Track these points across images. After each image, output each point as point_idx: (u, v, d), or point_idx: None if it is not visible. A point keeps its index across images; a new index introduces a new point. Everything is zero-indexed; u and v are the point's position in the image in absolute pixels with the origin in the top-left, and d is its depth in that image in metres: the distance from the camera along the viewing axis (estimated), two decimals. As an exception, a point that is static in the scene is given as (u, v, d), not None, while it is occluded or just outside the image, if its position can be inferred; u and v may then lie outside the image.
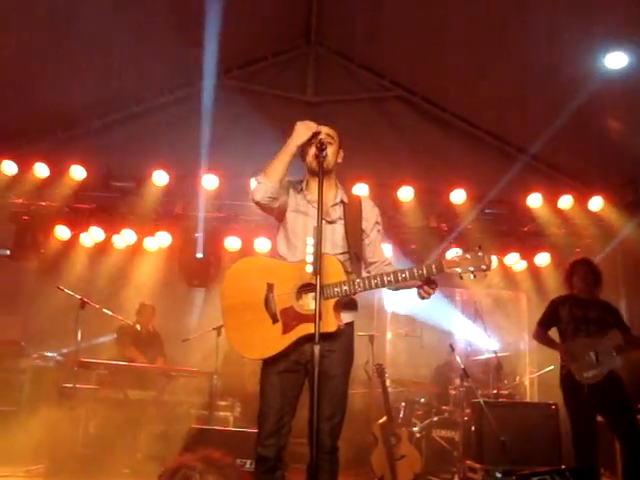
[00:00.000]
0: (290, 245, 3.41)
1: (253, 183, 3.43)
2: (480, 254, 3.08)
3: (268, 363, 3.30)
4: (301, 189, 3.49)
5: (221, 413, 6.93)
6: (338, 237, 3.37)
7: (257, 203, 3.33)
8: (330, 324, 3.06)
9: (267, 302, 3.23)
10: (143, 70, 7.41)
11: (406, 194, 7.86)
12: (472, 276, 3.10)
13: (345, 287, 3.10)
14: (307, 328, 3.11)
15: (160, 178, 7.73)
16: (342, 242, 3.38)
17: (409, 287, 3.33)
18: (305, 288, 3.20)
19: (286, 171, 3.31)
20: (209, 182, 7.72)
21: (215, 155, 7.62)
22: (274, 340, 3.19)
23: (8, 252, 7.89)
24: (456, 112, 8.16)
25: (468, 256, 3.09)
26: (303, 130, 3.31)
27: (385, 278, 3.12)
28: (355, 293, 3.18)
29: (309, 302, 3.18)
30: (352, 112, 8.01)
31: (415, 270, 3.10)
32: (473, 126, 8.20)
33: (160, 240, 8.04)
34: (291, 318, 3.17)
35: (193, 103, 7.86)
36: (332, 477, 3.25)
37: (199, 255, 8.07)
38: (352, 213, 3.46)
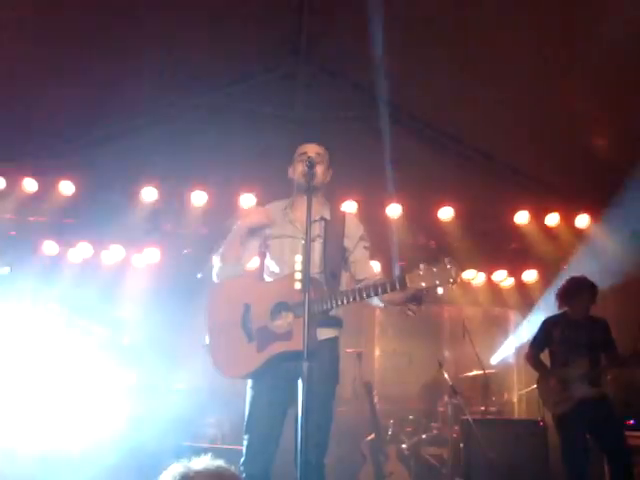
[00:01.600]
0: (274, 267, 3.51)
1: (214, 264, 3.63)
2: (448, 266, 2.99)
3: (254, 380, 3.32)
4: (285, 207, 3.57)
5: (211, 430, 6.89)
6: (316, 255, 3.39)
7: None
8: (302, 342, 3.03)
9: (244, 321, 3.27)
10: (131, 88, 7.41)
11: (394, 211, 7.89)
12: (439, 290, 3.08)
13: (315, 305, 3.09)
14: (279, 347, 3.16)
15: (149, 195, 7.72)
16: (319, 260, 3.40)
17: (396, 304, 3.34)
18: (278, 307, 3.24)
19: (240, 248, 3.52)
20: (198, 199, 7.71)
21: (204, 172, 7.63)
22: (249, 358, 3.23)
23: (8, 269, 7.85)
24: (444, 130, 8.19)
25: (434, 269, 3.00)
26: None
27: (351, 295, 3.14)
28: (325, 310, 3.17)
29: (280, 321, 3.22)
30: (341, 130, 8.03)
31: (379, 287, 3.09)
32: (461, 144, 8.24)
33: (148, 257, 8.02)
34: (265, 337, 3.21)
35: (182, 120, 7.89)
36: None
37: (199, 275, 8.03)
38: (333, 230, 3.49)
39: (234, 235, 3.52)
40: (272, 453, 3.25)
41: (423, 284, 2.98)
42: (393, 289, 3.07)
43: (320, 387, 3.26)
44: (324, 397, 3.29)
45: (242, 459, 3.26)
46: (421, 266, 3.01)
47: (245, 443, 3.29)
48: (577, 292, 5.59)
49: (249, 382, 3.39)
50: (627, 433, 5.49)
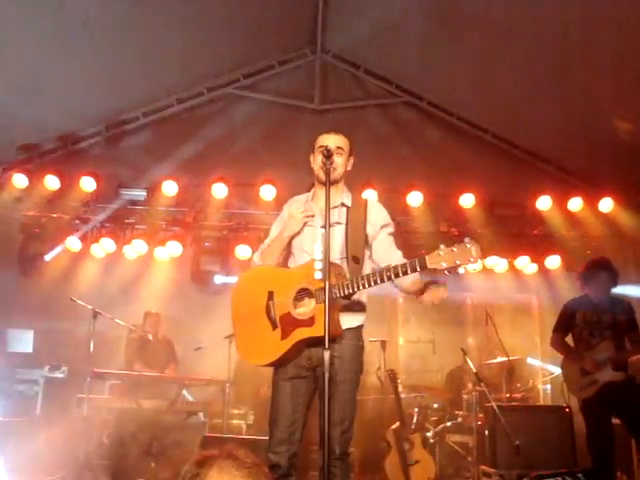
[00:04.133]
0: (296, 257, 3.54)
1: (254, 260, 3.70)
2: (468, 246, 2.95)
3: (278, 370, 3.35)
4: (306, 201, 3.60)
5: (234, 421, 6.95)
6: (336, 241, 3.38)
7: None
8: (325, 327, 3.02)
9: (268, 309, 3.32)
10: (151, 80, 7.46)
11: (415, 199, 7.86)
12: (462, 270, 3.04)
13: (335, 290, 3.10)
14: (302, 333, 3.19)
15: (170, 188, 7.76)
16: (340, 246, 3.39)
17: (415, 292, 3.34)
18: (300, 294, 3.25)
19: (279, 256, 3.54)
20: (219, 191, 7.74)
21: (224, 164, 7.66)
22: (273, 346, 3.27)
23: None
24: (464, 116, 8.14)
25: (454, 249, 2.96)
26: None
27: (372, 278, 3.12)
28: (347, 295, 3.16)
29: (303, 307, 3.23)
30: (359, 119, 8.02)
31: (400, 268, 3.06)
32: (481, 129, 8.18)
33: (171, 250, 8.08)
34: (288, 324, 3.24)
35: (201, 112, 7.93)
36: None
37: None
38: (355, 217, 3.48)
39: (278, 242, 3.54)
40: (296, 442, 3.27)
41: (444, 264, 2.95)
42: (413, 270, 3.04)
43: (344, 376, 3.28)
44: (348, 386, 3.30)
45: (267, 448, 3.29)
46: (441, 246, 2.99)
47: (270, 433, 3.32)
48: (595, 274, 5.53)
49: (273, 373, 3.42)
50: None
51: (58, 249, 7.79)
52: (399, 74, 8.08)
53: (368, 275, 3.17)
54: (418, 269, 3.03)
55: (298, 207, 3.57)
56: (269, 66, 8.09)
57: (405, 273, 3.07)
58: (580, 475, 3.01)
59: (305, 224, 3.50)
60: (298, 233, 3.52)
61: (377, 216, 3.56)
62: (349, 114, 8.09)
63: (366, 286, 3.14)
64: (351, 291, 3.15)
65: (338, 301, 3.18)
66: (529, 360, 8.01)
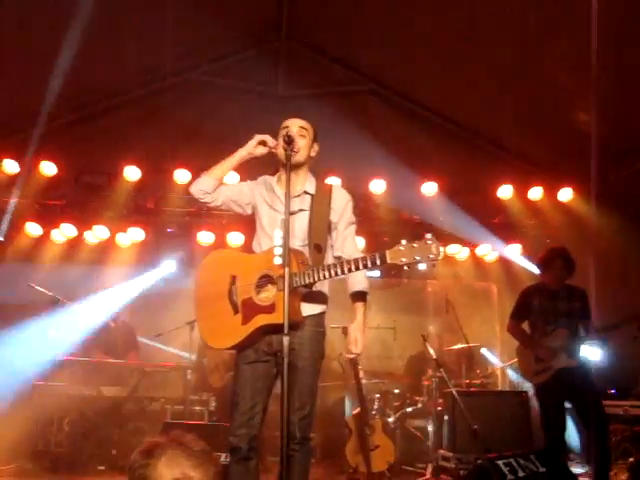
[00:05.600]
0: (258, 240, 3.52)
1: (200, 176, 3.58)
2: (429, 242, 2.92)
3: (239, 354, 3.36)
4: (272, 185, 3.56)
5: (196, 408, 6.94)
6: (298, 228, 3.38)
7: (193, 195, 3.54)
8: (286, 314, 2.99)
9: (230, 293, 3.31)
10: (113, 65, 7.35)
11: (378, 187, 7.91)
12: (422, 266, 3.04)
13: (296, 278, 3.10)
14: (263, 319, 3.19)
15: (132, 173, 7.68)
16: (302, 234, 3.39)
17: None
18: (263, 280, 3.24)
19: (224, 175, 3.53)
20: (181, 177, 7.68)
21: (187, 150, 7.60)
22: (234, 330, 3.27)
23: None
24: (428, 105, 8.19)
25: (415, 245, 2.93)
26: (253, 143, 3.47)
27: (332, 269, 3.11)
28: (309, 284, 3.16)
29: (265, 293, 3.22)
30: (323, 106, 7.97)
31: (360, 261, 3.05)
32: (444, 118, 8.24)
33: (132, 235, 8.01)
34: (250, 309, 3.23)
35: (164, 98, 7.84)
36: (303, 467, 3.28)
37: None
38: (319, 204, 3.47)
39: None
40: (256, 426, 3.27)
41: (403, 259, 2.92)
42: (374, 264, 3.03)
43: (304, 362, 3.29)
44: (308, 372, 3.31)
45: (228, 431, 3.29)
46: (402, 242, 2.99)
47: (231, 416, 3.32)
48: (551, 262, 5.63)
49: (235, 357, 3.42)
50: (607, 402, 5.59)
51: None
52: (364, 62, 8.10)
53: (329, 266, 3.15)
54: (378, 263, 3.01)
55: (263, 184, 3.58)
56: (234, 52, 8.05)
57: (365, 267, 3.06)
58: (532, 456, 3.08)
59: (271, 209, 3.49)
60: (263, 215, 3.50)
61: (340, 202, 3.55)
62: (313, 101, 8.05)
63: (327, 277, 3.13)
64: (311, 281, 3.14)
65: (299, 289, 3.19)
66: (482, 350, 8.08)
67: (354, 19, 7.32)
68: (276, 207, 3.45)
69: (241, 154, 3.49)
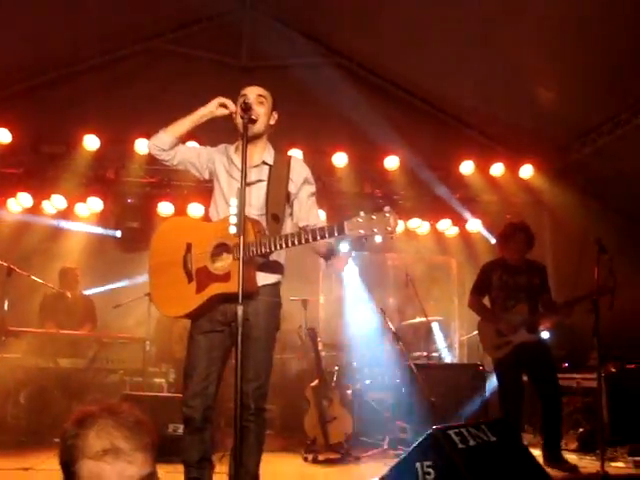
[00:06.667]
0: (218, 209, 3.47)
1: (158, 132, 3.50)
2: (387, 215, 2.91)
3: (193, 324, 3.34)
4: (233, 153, 3.51)
5: (155, 380, 6.92)
6: (256, 199, 3.35)
7: (149, 150, 3.50)
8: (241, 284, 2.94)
9: (185, 261, 3.28)
10: (72, 31, 7.17)
11: (340, 160, 7.90)
12: (378, 238, 3.02)
13: (252, 247, 3.08)
14: (217, 288, 3.17)
15: (91, 142, 7.54)
16: (259, 203, 3.37)
17: (324, 254, 3.38)
18: (218, 248, 3.22)
19: (183, 132, 3.42)
20: (142, 147, 7.56)
21: (148, 119, 7.45)
22: (188, 299, 3.25)
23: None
24: (392, 79, 8.18)
25: (373, 217, 2.92)
26: (214, 103, 3.41)
27: (290, 239, 3.08)
28: (265, 253, 3.14)
29: (221, 262, 3.20)
30: (288, 78, 7.93)
31: (317, 232, 3.03)
32: (409, 93, 8.24)
33: (91, 205, 7.89)
34: (204, 277, 3.21)
35: (125, 66, 7.70)
36: (258, 438, 3.29)
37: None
38: (277, 174, 3.44)
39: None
40: (211, 396, 3.25)
41: (361, 231, 2.91)
42: (331, 235, 3.00)
43: (259, 332, 3.27)
44: (263, 342, 3.30)
45: (181, 402, 3.28)
46: (361, 213, 2.98)
47: (184, 386, 3.31)
48: (512, 236, 5.70)
49: (190, 327, 3.40)
50: (560, 375, 5.72)
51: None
52: (329, 34, 8.04)
53: (286, 236, 3.11)
54: (336, 234, 2.99)
55: (222, 152, 3.55)
56: (197, 20, 7.92)
57: (323, 237, 3.02)
58: (483, 426, 3.13)
59: (229, 177, 3.45)
60: (223, 183, 3.46)
61: (299, 173, 3.52)
62: (277, 73, 8.02)
63: (283, 246, 3.09)
64: (268, 250, 3.11)
65: (255, 258, 3.17)
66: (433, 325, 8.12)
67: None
68: (234, 176, 3.42)
69: (202, 112, 3.42)
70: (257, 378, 3.25)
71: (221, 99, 3.41)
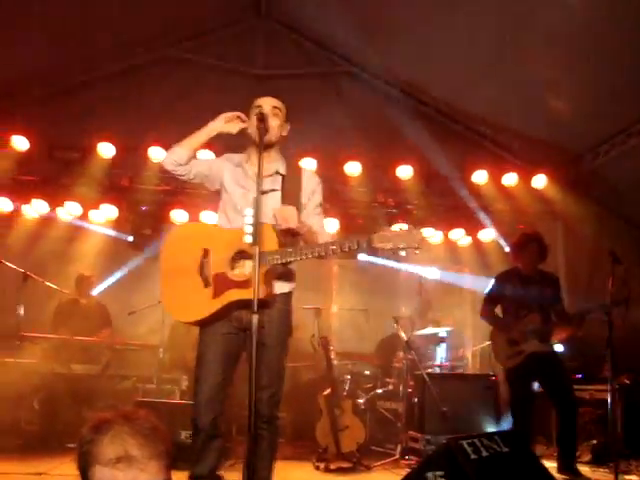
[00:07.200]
0: (229, 217, 3.46)
1: (172, 147, 3.51)
2: (414, 232, 2.98)
3: (205, 329, 3.33)
4: (240, 163, 3.53)
5: (167, 386, 6.93)
6: (270, 208, 3.33)
7: (165, 167, 3.47)
8: (259, 292, 2.95)
9: (201, 267, 3.26)
10: (88, 39, 7.24)
11: (353, 169, 7.91)
12: (403, 253, 3.04)
13: (277, 256, 3.09)
14: (236, 294, 3.16)
15: (106, 150, 7.60)
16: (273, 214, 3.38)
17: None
18: (239, 255, 3.22)
19: (198, 146, 3.46)
20: (156, 154, 7.62)
21: (163, 127, 7.53)
22: (204, 304, 3.23)
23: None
24: (406, 89, 8.19)
25: (400, 231, 2.99)
26: (222, 118, 3.46)
27: (316, 249, 3.10)
28: (287, 262, 3.16)
29: (241, 269, 3.21)
30: (301, 86, 7.99)
31: (346, 243, 3.05)
32: (422, 103, 8.26)
33: (105, 213, 7.95)
34: (222, 283, 3.20)
35: (140, 74, 7.76)
36: (271, 445, 3.30)
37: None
38: (290, 185, 3.47)
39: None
40: (221, 403, 3.25)
41: (389, 245, 2.97)
42: (360, 248, 3.06)
43: (272, 340, 3.29)
44: (277, 350, 3.32)
45: (192, 409, 3.27)
46: (386, 228, 3.03)
47: (194, 392, 3.30)
48: (525, 246, 5.70)
49: (200, 332, 3.38)
50: (574, 386, 5.69)
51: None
52: (342, 43, 8.07)
53: (312, 246, 3.15)
54: (365, 246, 3.03)
55: (230, 162, 3.56)
56: (212, 29, 7.98)
57: (351, 249, 3.06)
58: (496, 437, 3.13)
59: (240, 187, 3.47)
60: (233, 193, 3.47)
61: (310, 184, 3.55)
62: (291, 81, 8.06)
63: (309, 257, 3.10)
64: (294, 259, 3.14)
65: (276, 267, 3.18)
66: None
67: (333, 1, 7.28)
68: (246, 185, 3.44)
69: (213, 126, 3.46)
70: (271, 385, 3.26)
71: (227, 114, 3.46)
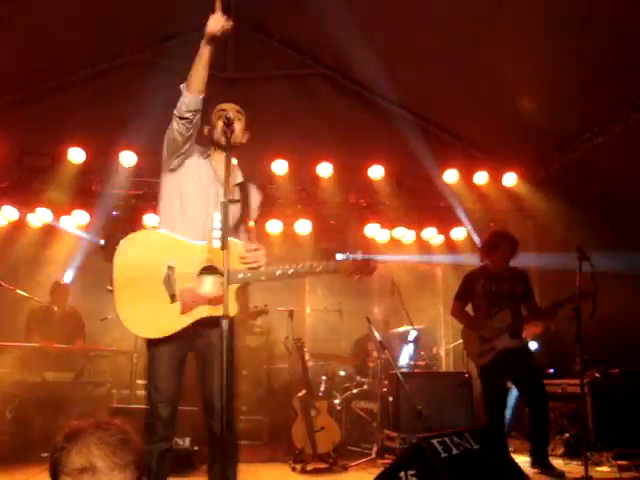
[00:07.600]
0: (187, 217, 3.29)
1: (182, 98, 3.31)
2: (371, 262, 3.29)
3: (156, 340, 3.17)
4: (208, 156, 3.43)
5: (142, 392, 6.89)
6: (232, 217, 3.29)
7: (181, 119, 3.25)
8: (232, 308, 2.90)
9: (167, 280, 3.09)
10: (56, 44, 7.18)
11: (325, 170, 7.94)
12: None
13: (249, 274, 3.10)
14: (206, 310, 3.09)
15: (76, 155, 7.55)
16: (234, 222, 3.37)
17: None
18: (207, 270, 3.15)
19: (204, 77, 3.27)
20: (127, 159, 7.58)
21: (132, 132, 7.49)
22: (171, 319, 3.08)
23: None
24: (376, 89, 8.22)
25: (358, 259, 3.28)
26: (213, 22, 3.21)
27: (289, 271, 3.18)
28: (257, 281, 3.18)
29: (209, 284, 3.16)
30: (272, 89, 7.99)
31: (316, 267, 3.22)
32: (392, 103, 8.30)
33: (77, 218, 7.89)
34: (190, 299, 3.09)
35: (110, 78, 7.71)
36: (234, 449, 3.24)
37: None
38: (245, 195, 3.49)
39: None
40: (175, 408, 3.19)
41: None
42: (327, 272, 3.26)
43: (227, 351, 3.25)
44: (230, 359, 3.24)
45: (146, 414, 3.19)
46: (349, 256, 3.31)
47: (147, 395, 3.22)
48: (497, 245, 5.75)
49: (148, 340, 3.20)
50: (546, 381, 5.77)
51: None
52: (314, 45, 8.08)
53: (285, 267, 3.18)
54: (332, 270, 3.27)
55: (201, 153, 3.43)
56: (181, 32, 7.93)
57: (320, 272, 3.25)
58: (467, 434, 3.17)
59: (202, 178, 3.34)
60: (194, 182, 3.32)
61: (255, 200, 3.58)
62: (262, 84, 8.05)
63: (281, 278, 3.18)
64: (264, 279, 3.16)
65: (245, 286, 3.21)
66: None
67: (304, 2, 7.28)
68: (211, 187, 3.34)
69: (207, 46, 3.25)
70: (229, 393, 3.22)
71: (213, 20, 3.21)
